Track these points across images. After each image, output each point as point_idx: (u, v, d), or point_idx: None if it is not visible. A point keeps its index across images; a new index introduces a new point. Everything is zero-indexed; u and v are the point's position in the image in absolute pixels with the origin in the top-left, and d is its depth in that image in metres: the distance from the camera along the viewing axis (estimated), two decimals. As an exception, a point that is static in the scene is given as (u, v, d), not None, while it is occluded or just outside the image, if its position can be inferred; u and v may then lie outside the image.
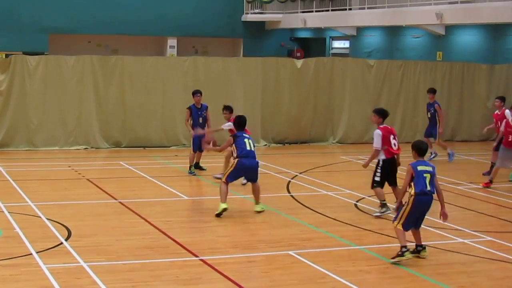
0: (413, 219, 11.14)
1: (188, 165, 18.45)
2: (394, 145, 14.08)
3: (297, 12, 41.52)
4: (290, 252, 11.56)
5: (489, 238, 12.71)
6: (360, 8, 37.21)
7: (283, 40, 44.41)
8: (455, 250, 11.96)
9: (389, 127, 14.32)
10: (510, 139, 17.29)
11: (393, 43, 37.47)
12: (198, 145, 18.22)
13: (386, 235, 12.68)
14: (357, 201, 15.50)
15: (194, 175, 18.30)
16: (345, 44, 41.58)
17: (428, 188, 11.03)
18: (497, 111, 19.40)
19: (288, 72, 24.66)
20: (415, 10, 33.31)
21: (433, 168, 11.23)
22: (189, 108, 18.56)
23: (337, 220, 13.77)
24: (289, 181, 17.64)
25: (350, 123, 25.27)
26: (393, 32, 37.17)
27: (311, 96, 24.72)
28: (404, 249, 11.00)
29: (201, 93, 18.68)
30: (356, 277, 10.51)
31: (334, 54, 40.68)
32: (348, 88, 25.34)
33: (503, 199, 16.21)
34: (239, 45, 43.99)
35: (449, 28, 33.34)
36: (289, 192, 16.59)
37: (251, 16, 43.28)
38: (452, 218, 13.96)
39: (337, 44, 42.71)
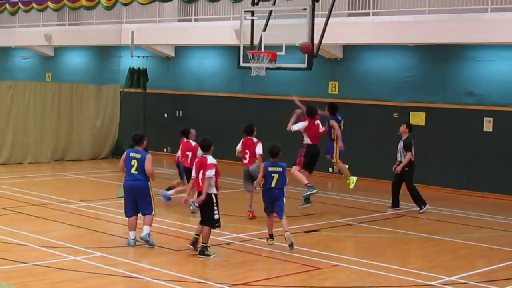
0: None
1: None
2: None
3: None
4: None
5: (100, 254, 13.10)
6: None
7: None
8: (67, 267, 12.18)
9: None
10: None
11: (2, 63, 36.91)
12: None
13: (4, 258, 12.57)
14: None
15: None
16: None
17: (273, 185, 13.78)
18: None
19: None
20: (24, 31, 33.28)
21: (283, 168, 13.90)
22: None
23: None
24: None
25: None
26: (2, 52, 36.65)
27: None
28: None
29: None
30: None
31: None
32: None
33: (111, 215, 16.77)
34: None
35: (58, 50, 33.71)
36: None
37: None
38: (64, 236, 14.25)
39: None
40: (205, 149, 13.31)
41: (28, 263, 12.26)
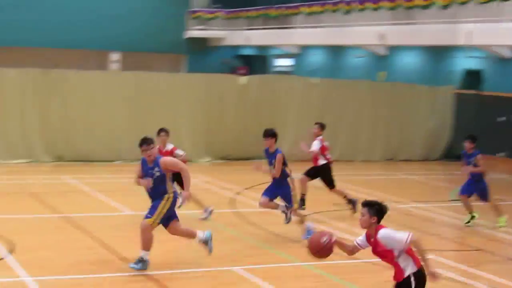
0: None
1: None
2: None
3: (241, 30, 41.68)
4: (234, 268, 11.55)
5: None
6: (303, 27, 37.51)
7: (227, 57, 44.46)
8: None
9: None
10: None
11: (336, 62, 37.80)
12: None
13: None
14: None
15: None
16: (289, 62, 41.85)
17: None
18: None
19: (232, 89, 24.66)
20: (357, 30, 33.75)
21: None
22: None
23: (280, 235, 13.78)
24: (233, 197, 17.63)
25: (294, 140, 25.30)
26: (336, 51, 37.53)
27: (255, 113, 24.62)
28: None
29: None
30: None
31: (277, 72, 40.86)
32: (291, 105, 25.40)
33: (443, 217, 16.41)
34: (182, 61, 43.94)
35: (392, 49, 33.79)
36: (233, 208, 16.57)
37: (194, 32, 43.36)
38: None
39: (280, 62, 42.96)
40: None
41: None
